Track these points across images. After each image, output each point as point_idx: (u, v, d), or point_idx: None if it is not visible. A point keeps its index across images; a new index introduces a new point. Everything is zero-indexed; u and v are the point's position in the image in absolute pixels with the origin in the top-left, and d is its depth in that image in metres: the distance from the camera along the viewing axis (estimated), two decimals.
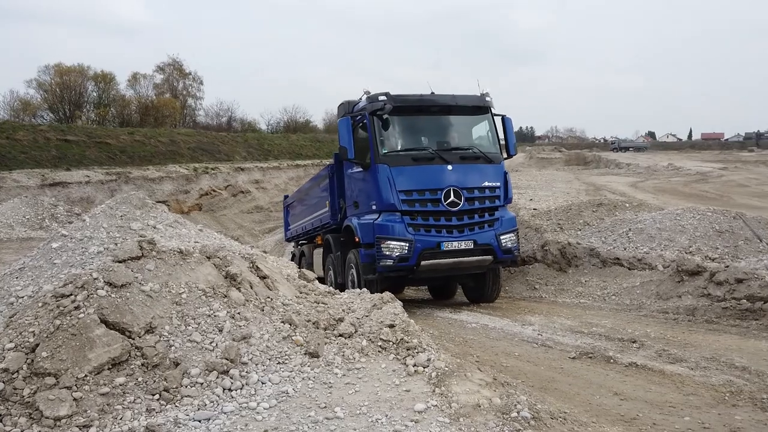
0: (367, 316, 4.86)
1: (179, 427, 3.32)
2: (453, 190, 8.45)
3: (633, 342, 6.03)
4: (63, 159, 30.58)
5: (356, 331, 4.61)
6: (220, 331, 4.20)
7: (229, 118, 56.90)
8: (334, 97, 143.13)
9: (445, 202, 8.39)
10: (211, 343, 4.07)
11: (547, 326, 7.12)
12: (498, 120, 9.35)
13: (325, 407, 3.54)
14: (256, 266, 5.16)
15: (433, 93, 9.15)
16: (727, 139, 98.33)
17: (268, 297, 4.82)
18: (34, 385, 3.40)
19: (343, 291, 6.20)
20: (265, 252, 8.68)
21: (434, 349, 4.38)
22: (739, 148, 72.53)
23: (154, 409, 3.46)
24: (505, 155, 9.29)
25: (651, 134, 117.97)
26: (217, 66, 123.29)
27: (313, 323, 4.63)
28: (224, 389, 3.71)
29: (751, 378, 4.69)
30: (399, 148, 8.85)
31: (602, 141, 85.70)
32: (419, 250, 8.21)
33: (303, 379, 3.94)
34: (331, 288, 6.08)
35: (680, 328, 6.76)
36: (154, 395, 3.56)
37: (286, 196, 17.06)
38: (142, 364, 3.73)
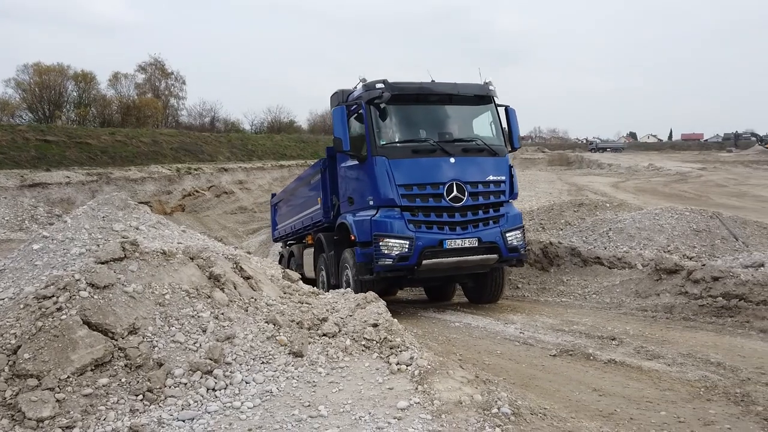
0: (350, 315, 4.90)
1: (163, 427, 3.33)
2: (456, 184, 7.96)
3: (612, 339, 6.15)
4: (42, 159, 30.14)
5: (340, 331, 4.64)
6: (204, 331, 4.21)
7: (212, 118, 56.55)
8: (318, 97, 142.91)
9: (447, 197, 7.91)
10: (194, 343, 4.08)
11: (528, 325, 7.22)
12: (501, 112, 8.85)
13: (309, 406, 3.58)
14: (240, 267, 5.17)
15: (433, 81, 8.65)
16: (706, 140, 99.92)
17: (252, 297, 4.84)
18: (16, 387, 3.39)
19: None
20: (249, 253, 8.68)
21: (417, 348, 4.43)
22: (717, 148, 73.82)
23: (137, 410, 3.47)
24: (508, 148, 8.82)
25: (632, 135, 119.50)
26: (200, 66, 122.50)
27: (297, 323, 4.65)
28: (208, 389, 3.73)
29: (725, 373, 4.82)
30: (398, 139, 8.35)
31: (584, 141, 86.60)
32: (420, 248, 7.73)
33: (287, 378, 3.97)
34: (315, 288, 6.10)
35: (658, 325, 6.90)
36: (137, 396, 3.57)
37: (273, 195, 16.60)
38: (126, 365, 3.74)
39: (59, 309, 3.80)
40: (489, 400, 3.60)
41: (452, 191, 7.94)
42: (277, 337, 4.40)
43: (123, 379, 3.66)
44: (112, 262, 4.36)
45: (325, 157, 9.84)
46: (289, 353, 4.27)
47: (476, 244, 7.96)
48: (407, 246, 7.70)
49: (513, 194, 8.56)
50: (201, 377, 3.80)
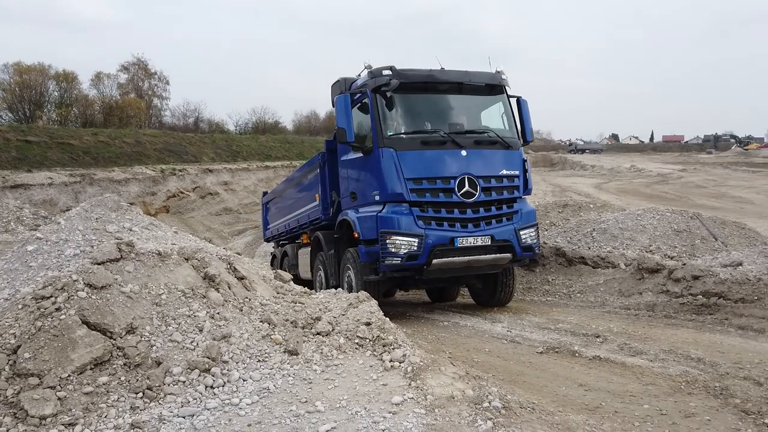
0: (343, 314, 5.00)
1: (164, 423, 3.40)
2: (468, 178, 7.53)
3: (597, 337, 6.32)
4: (24, 160, 29.73)
5: (333, 330, 4.74)
6: (201, 330, 4.28)
7: (197, 119, 56.22)
8: (302, 98, 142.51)
9: (458, 192, 7.47)
10: (191, 342, 4.15)
11: (515, 323, 7.38)
12: (513, 103, 8.45)
13: (306, 402, 3.67)
14: (234, 267, 5.24)
15: (442, 69, 8.08)
16: (686, 142, 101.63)
17: (247, 297, 4.92)
18: (17, 386, 3.44)
19: None
20: (238, 254, 8.73)
21: (409, 346, 4.55)
22: (698, 150, 75.18)
23: (138, 407, 3.54)
24: (521, 141, 8.37)
25: (615, 136, 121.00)
26: (184, 66, 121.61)
27: (291, 322, 4.74)
28: (206, 387, 3.80)
29: (705, 368, 5.00)
30: (406, 129, 7.83)
31: (568, 143, 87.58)
32: (430, 246, 7.26)
33: (283, 375, 4.06)
34: (306, 289, 6.17)
35: (641, 323, 7.09)
36: (137, 393, 3.63)
37: (265, 193, 16.11)
38: (125, 364, 3.80)
39: (58, 309, 3.85)
40: (480, 395, 3.73)
41: (464, 186, 7.51)
42: (272, 336, 4.48)
43: (122, 378, 3.72)
44: (108, 263, 4.41)
45: (323, 151, 9.38)
46: (284, 351, 4.36)
47: (489, 243, 7.54)
48: (416, 244, 7.25)
49: (527, 190, 8.16)
50: (199, 375, 3.87)
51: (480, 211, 7.61)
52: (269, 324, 4.60)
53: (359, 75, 8.27)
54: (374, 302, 5.27)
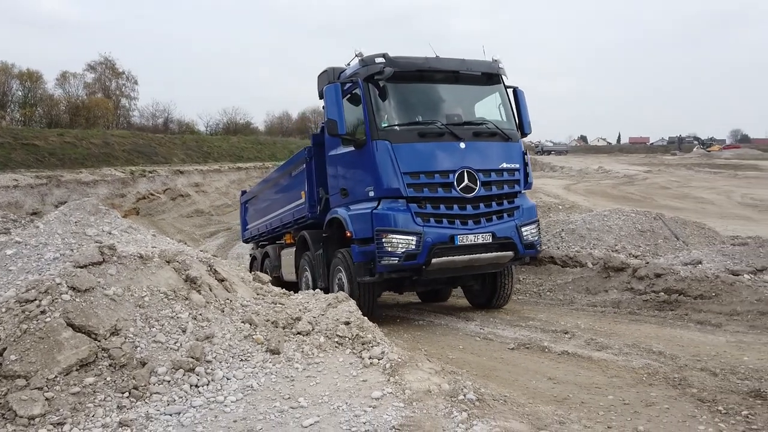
0: (323, 314, 5.15)
1: (152, 421, 3.51)
2: (467, 172, 7.16)
3: (565, 333, 6.59)
4: None
5: (314, 329, 4.89)
6: (184, 331, 4.39)
7: (166, 119, 55.46)
8: (274, 98, 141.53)
9: (458, 186, 7.10)
10: (175, 343, 4.25)
11: (488, 321, 7.62)
12: (509, 93, 8.12)
13: (289, 398, 3.82)
14: (214, 269, 5.35)
15: (437, 57, 7.67)
16: (652, 143, 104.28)
17: (228, 299, 5.03)
18: (5, 387, 3.50)
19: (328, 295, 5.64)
20: (215, 256, 8.78)
21: (387, 343, 4.72)
22: (663, 151, 77.25)
23: (125, 406, 3.63)
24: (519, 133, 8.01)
25: (583, 138, 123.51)
26: (153, 66, 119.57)
27: (272, 322, 4.87)
28: (191, 386, 3.91)
29: (666, 361, 5.29)
30: (401, 121, 7.39)
31: (535, 145, 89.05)
32: (429, 245, 6.87)
33: (266, 374, 4.19)
34: (285, 290, 6.27)
35: (607, 319, 7.41)
36: (123, 393, 3.72)
37: (243, 192, 15.49)
38: (110, 365, 3.88)
39: (43, 312, 3.91)
40: (455, 389, 3.93)
41: (463, 180, 7.13)
42: (253, 336, 4.61)
43: (108, 378, 3.81)
44: (91, 266, 4.48)
45: (310, 145, 8.95)
46: (266, 351, 4.48)
47: (490, 240, 7.17)
48: (414, 242, 6.84)
49: (527, 184, 7.82)
50: (184, 374, 3.98)
51: (480, 206, 7.25)
52: (251, 324, 4.72)
53: (348, 64, 7.87)
54: (352, 302, 5.43)
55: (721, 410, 4.00)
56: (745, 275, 7.69)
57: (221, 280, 5.25)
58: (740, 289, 7.24)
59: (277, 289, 5.99)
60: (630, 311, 7.71)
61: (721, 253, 8.80)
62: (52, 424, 3.38)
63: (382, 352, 4.46)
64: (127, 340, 4.11)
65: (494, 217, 7.33)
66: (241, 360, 4.33)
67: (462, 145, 7.25)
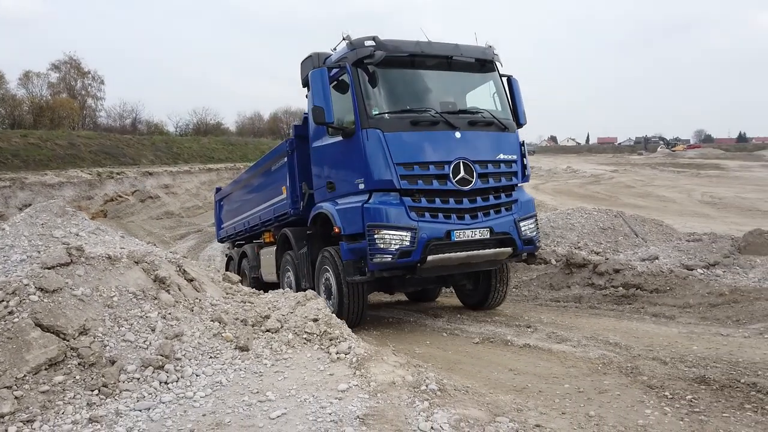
0: (291, 312, 5.26)
1: (121, 417, 3.59)
2: (463, 163, 6.76)
3: (528, 327, 6.83)
4: None
5: (282, 326, 5.00)
6: (153, 330, 4.46)
7: (134, 120, 54.57)
8: (244, 96, 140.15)
9: (453, 178, 6.70)
10: (144, 341, 4.32)
11: (455, 317, 7.83)
12: (503, 81, 7.72)
13: (258, 392, 3.93)
14: (183, 270, 5.42)
15: (429, 42, 7.20)
16: (619, 143, 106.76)
17: (197, 298, 5.11)
18: None
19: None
20: (185, 257, 8.79)
21: (354, 339, 4.87)
22: (630, 151, 79.23)
23: (94, 403, 3.70)
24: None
25: (553, 138, 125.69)
26: (119, 65, 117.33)
27: (241, 321, 4.97)
28: (161, 382, 4.00)
29: (620, 351, 5.56)
30: (392, 108, 6.90)
31: None
32: (424, 241, 6.45)
33: (235, 370, 4.29)
34: (254, 289, 6.37)
35: (568, 313, 7.69)
36: (93, 391, 3.79)
37: (218, 189, 14.62)
38: (79, 364, 3.94)
39: (11, 313, 3.95)
40: (418, 380, 4.10)
41: (459, 172, 6.72)
42: (223, 334, 4.70)
43: (78, 377, 3.87)
44: (59, 267, 4.52)
45: (291, 137, 8.39)
46: (235, 348, 4.58)
47: (488, 236, 6.80)
48: (409, 238, 6.40)
49: (525, 177, 7.43)
50: (153, 372, 4.06)
51: (477, 200, 6.85)
52: (220, 322, 4.82)
53: (334, 49, 7.35)
54: (321, 300, 5.55)
55: (668, 395, 4.25)
56: (698, 270, 8.06)
57: (190, 280, 5.32)
58: (693, 282, 7.60)
59: (247, 289, 6.08)
60: (590, 305, 8.01)
61: (677, 249, 9.19)
62: (21, 421, 3.44)
63: (349, 347, 4.60)
64: (96, 339, 4.17)
65: (492, 211, 6.95)
66: (211, 357, 4.42)
67: (457, 134, 6.85)
